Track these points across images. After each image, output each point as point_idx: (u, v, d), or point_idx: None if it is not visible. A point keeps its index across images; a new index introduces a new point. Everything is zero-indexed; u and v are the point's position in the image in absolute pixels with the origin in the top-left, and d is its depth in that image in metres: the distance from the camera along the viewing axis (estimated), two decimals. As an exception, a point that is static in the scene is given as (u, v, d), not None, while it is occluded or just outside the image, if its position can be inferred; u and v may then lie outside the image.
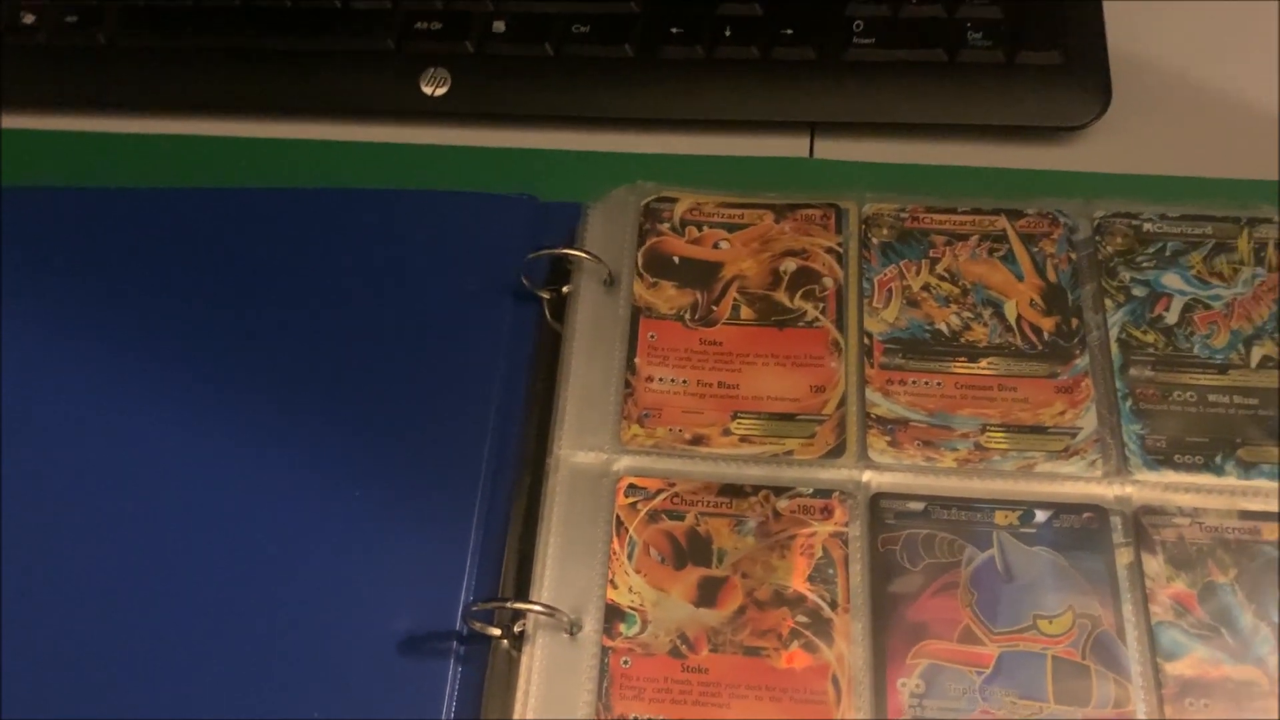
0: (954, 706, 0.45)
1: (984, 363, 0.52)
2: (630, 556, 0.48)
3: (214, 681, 0.47)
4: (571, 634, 0.47)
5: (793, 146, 0.62)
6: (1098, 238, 0.55)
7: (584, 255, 0.55)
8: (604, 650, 0.46)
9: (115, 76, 0.64)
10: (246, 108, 0.64)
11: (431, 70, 0.63)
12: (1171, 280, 0.54)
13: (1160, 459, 0.50)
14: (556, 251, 0.55)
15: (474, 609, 0.47)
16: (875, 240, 0.56)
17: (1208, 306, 0.53)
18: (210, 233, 0.59)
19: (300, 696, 0.47)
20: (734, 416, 0.52)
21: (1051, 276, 0.54)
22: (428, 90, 0.62)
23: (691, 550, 0.48)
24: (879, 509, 0.49)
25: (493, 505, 0.51)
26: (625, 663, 0.46)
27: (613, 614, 0.47)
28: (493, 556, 0.50)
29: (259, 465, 0.52)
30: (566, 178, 0.61)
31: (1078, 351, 0.52)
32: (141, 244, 0.59)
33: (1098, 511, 0.49)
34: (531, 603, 0.47)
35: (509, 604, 0.47)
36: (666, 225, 0.57)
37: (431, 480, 0.51)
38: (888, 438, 0.51)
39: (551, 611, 0.46)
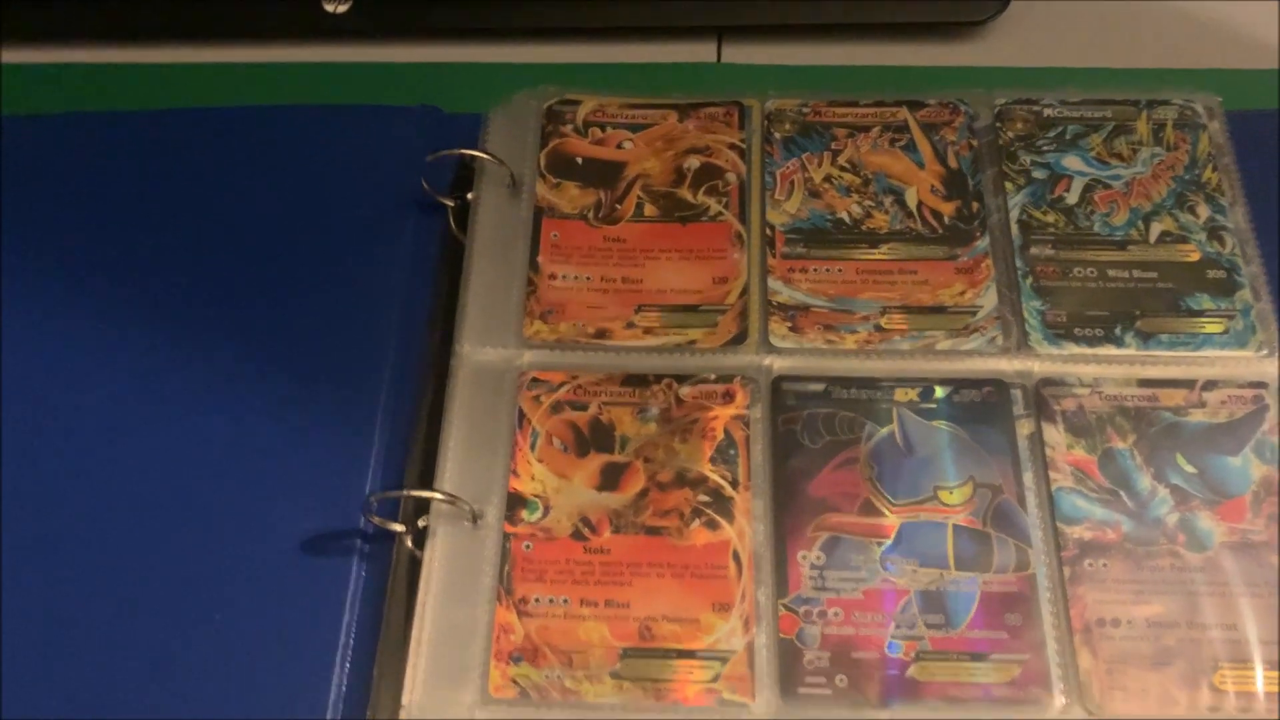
0: (855, 576, 0.45)
1: (884, 248, 0.52)
2: (533, 446, 0.48)
3: (118, 583, 0.47)
4: (474, 523, 0.47)
5: (700, 52, 0.62)
6: (998, 124, 0.55)
7: (484, 156, 0.54)
8: (505, 536, 0.46)
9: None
10: (148, 33, 0.63)
11: (333, -13, 0.62)
12: (1072, 162, 0.54)
13: (1061, 333, 0.50)
14: (456, 152, 0.55)
15: (373, 500, 0.46)
16: (778, 135, 0.56)
17: (1107, 186, 0.53)
18: (114, 154, 0.58)
19: (205, 599, 0.46)
20: (637, 310, 0.51)
21: (952, 163, 0.54)
22: (329, 7, 0.62)
23: (594, 438, 0.48)
24: (780, 391, 0.49)
25: (397, 407, 0.50)
26: (527, 547, 0.46)
27: (515, 501, 0.47)
28: (397, 456, 0.49)
29: (167, 373, 0.51)
30: (474, 91, 0.60)
31: (978, 234, 0.52)
32: (50, 167, 0.58)
33: (997, 385, 0.49)
34: (431, 490, 0.46)
35: (407, 492, 0.47)
36: (570, 127, 0.56)
37: (335, 386, 0.51)
38: (789, 324, 0.50)
39: (452, 499, 0.46)
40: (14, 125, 0.59)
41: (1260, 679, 0.43)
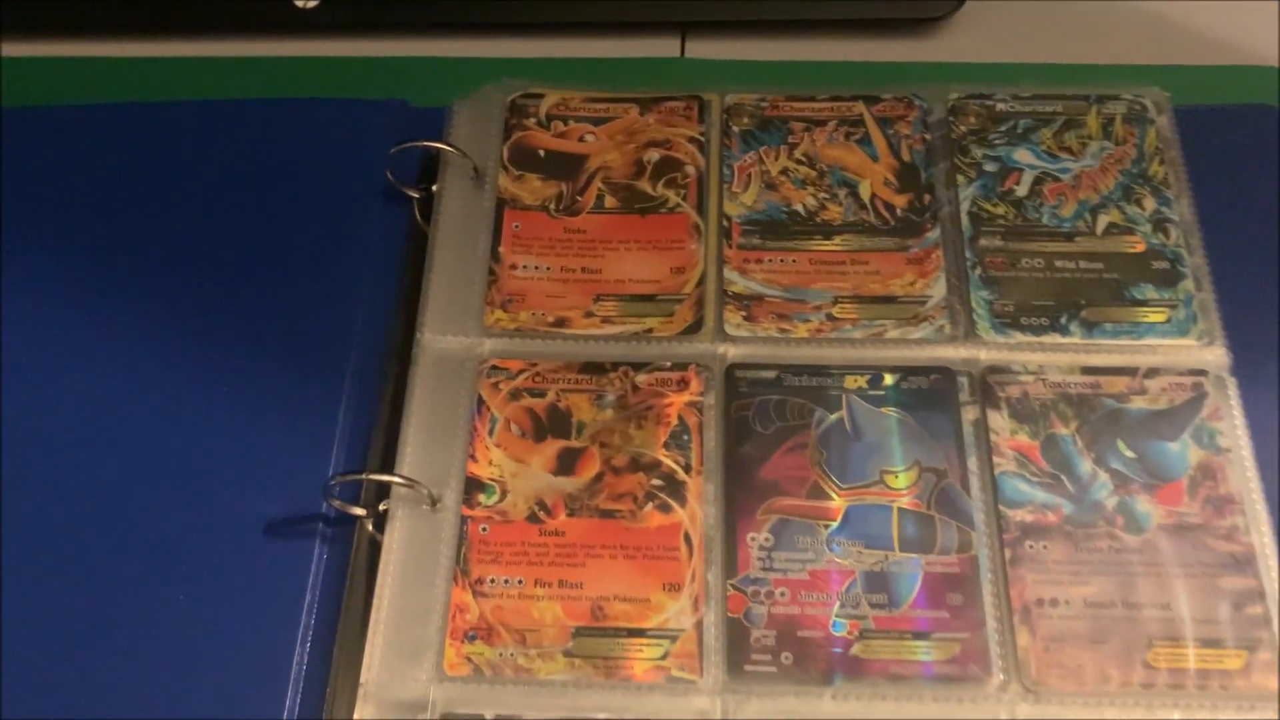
0: (802, 557, 0.46)
1: (838, 239, 0.53)
2: (491, 432, 0.49)
3: (80, 566, 0.48)
4: (432, 506, 0.48)
5: (664, 47, 0.63)
6: (951, 118, 0.57)
7: (447, 148, 0.56)
8: (463, 519, 0.47)
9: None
10: (116, 27, 0.64)
11: (303, -17, 0.63)
12: (1023, 155, 0.55)
13: (1007, 322, 0.51)
14: (420, 144, 0.56)
15: (333, 483, 0.48)
16: (736, 129, 0.57)
17: (1057, 179, 0.55)
18: (79, 147, 0.59)
19: (168, 580, 0.48)
20: (596, 299, 0.53)
21: (906, 156, 0.56)
22: (299, 3, 0.63)
23: (551, 424, 0.49)
24: (733, 379, 0.50)
25: (360, 393, 0.52)
26: (484, 529, 0.47)
27: (473, 486, 0.48)
28: (359, 441, 0.51)
29: (132, 358, 0.53)
30: (441, 85, 0.62)
31: (929, 225, 0.54)
32: (31, 158, 0.59)
33: (944, 373, 0.50)
34: (390, 474, 0.47)
35: (365, 475, 0.48)
36: (533, 120, 0.58)
37: (300, 372, 0.52)
38: (743, 313, 0.52)
39: (411, 483, 0.47)
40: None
41: (1192, 656, 0.44)
